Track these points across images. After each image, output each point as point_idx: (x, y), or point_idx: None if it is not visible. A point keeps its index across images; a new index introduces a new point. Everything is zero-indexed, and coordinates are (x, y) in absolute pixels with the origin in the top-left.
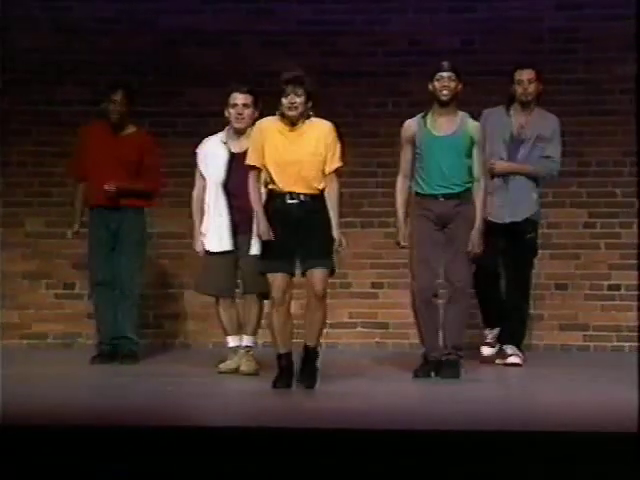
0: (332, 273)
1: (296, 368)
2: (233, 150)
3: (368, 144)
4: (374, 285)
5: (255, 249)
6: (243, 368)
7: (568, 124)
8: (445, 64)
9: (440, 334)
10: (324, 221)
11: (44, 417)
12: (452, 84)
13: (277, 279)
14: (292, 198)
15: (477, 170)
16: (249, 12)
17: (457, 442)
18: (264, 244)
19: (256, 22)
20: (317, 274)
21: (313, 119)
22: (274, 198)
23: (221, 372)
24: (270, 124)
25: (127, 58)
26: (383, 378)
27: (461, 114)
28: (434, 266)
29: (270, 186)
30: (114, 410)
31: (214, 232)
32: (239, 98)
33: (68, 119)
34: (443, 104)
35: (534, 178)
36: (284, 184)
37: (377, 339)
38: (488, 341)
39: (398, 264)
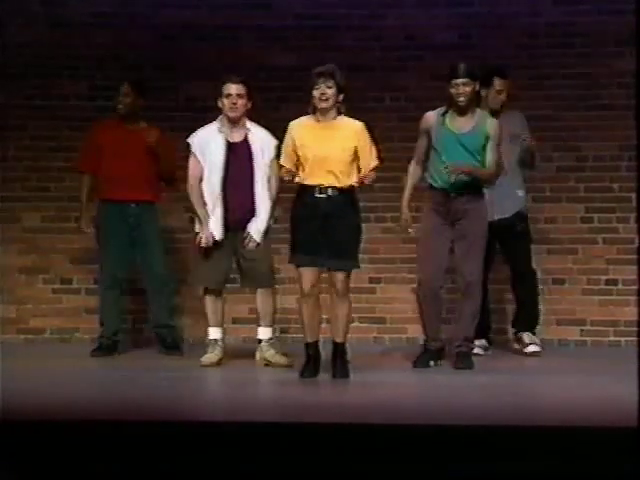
0: (357, 267)
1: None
2: (230, 140)
3: None
4: (372, 280)
5: (258, 236)
6: (275, 361)
7: (565, 119)
8: (461, 69)
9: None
10: (351, 217)
11: (43, 412)
12: (467, 89)
13: (306, 272)
14: (321, 192)
15: (489, 162)
16: (246, 7)
17: (454, 436)
18: (294, 238)
19: (253, 17)
20: (339, 275)
21: (344, 117)
22: (303, 192)
23: (203, 365)
24: (300, 122)
25: (124, 53)
26: (384, 370)
27: (479, 112)
28: (440, 259)
29: (300, 180)
30: (116, 404)
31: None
32: (233, 88)
33: (65, 114)
34: (461, 108)
35: (518, 177)
36: (313, 178)
37: (374, 334)
38: (475, 350)
39: (395, 259)
